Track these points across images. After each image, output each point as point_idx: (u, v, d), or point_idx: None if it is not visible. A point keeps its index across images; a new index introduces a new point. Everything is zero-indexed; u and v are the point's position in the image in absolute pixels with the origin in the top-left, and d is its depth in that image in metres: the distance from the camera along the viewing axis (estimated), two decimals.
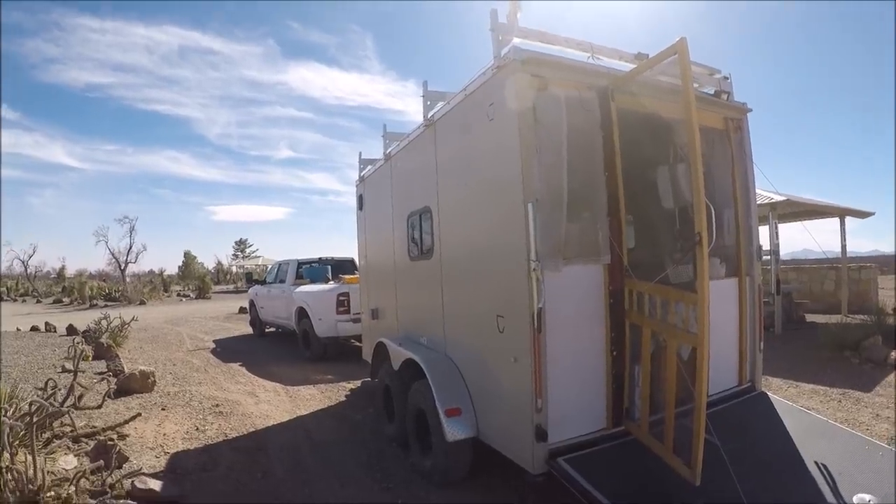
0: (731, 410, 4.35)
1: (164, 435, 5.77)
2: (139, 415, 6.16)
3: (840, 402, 6.32)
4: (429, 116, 5.00)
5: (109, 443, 4.81)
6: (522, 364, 3.53)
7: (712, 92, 4.66)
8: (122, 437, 5.47)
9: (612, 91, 3.88)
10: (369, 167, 7.27)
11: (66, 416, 5.04)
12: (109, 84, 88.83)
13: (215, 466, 4.96)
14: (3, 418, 3.88)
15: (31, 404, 4.03)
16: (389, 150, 6.28)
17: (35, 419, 3.96)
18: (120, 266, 37.66)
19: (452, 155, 4.69)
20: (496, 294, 3.92)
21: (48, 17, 76.46)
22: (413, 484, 4.57)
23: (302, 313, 10.74)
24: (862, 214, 12.13)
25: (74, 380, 6.25)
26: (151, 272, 40.35)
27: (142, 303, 26.85)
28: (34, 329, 14.35)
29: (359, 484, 4.62)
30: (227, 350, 11.79)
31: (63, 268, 40.28)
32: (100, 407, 6.33)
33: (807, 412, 4.58)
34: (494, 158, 3.84)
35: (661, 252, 4.61)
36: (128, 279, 39.12)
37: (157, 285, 33.78)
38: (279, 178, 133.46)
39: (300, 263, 12.49)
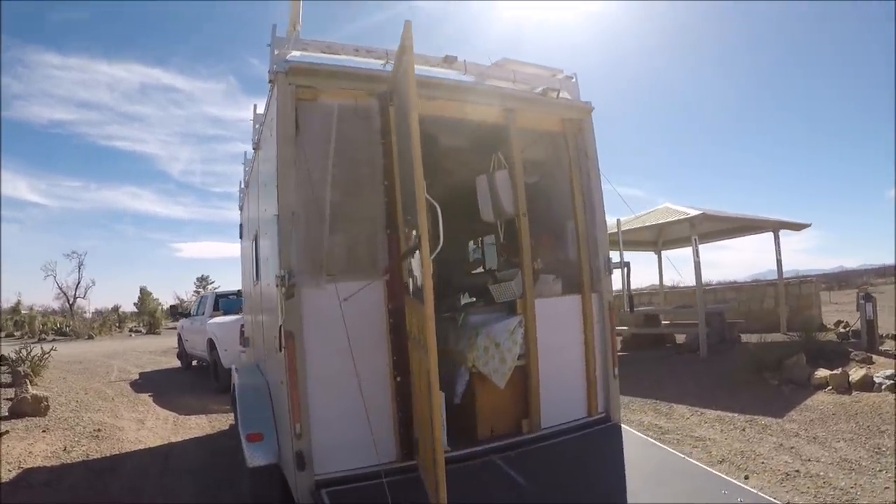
0: (566, 445, 3.86)
1: (31, 453, 5.83)
2: (7, 432, 6.28)
3: (744, 430, 5.75)
4: (255, 140, 4.89)
5: None
6: (285, 387, 3.19)
7: (540, 90, 4.22)
8: None
9: (390, 95, 3.53)
10: None
11: None
12: (72, 121, 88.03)
13: (59, 483, 5.08)
14: None
15: None
16: (246, 178, 6.18)
17: None
18: (68, 301, 37.01)
19: (261, 176, 4.53)
20: (274, 314, 3.59)
21: (12, 54, 76.29)
22: None
23: (211, 344, 10.56)
24: (797, 227, 11.60)
25: None
26: (115, 308, 39.35)
27: (90, 337, 26.37)
28: None
29: None
30: (146, 382, 11.70)
31: (19, 302, 39.20)
32: None
33: (663, 448, 3.99)
34: (268, 174, 3.68)
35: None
36: (89, 315, 38.27)
37: (112, 321, 33.02)
38: None
39: (218, 296, 12.49)
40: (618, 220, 4.32)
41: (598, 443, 3.92)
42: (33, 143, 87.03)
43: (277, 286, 3.06)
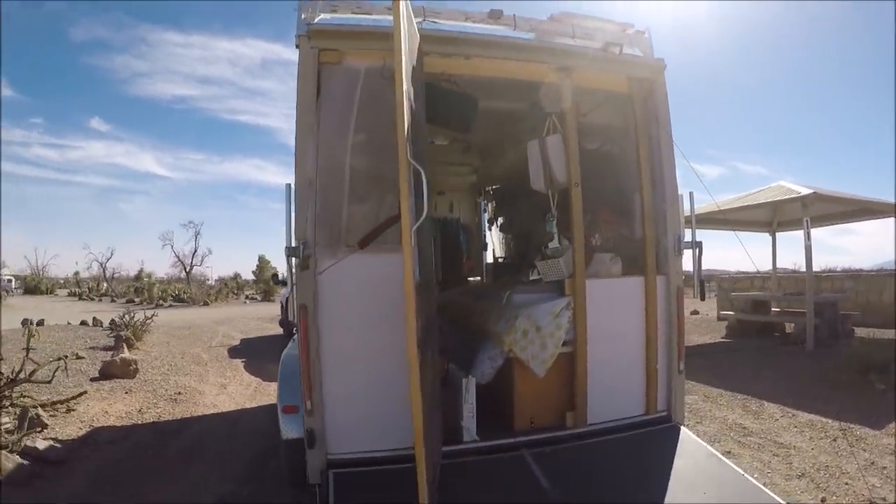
0: (612, 444, 3.43)
1: (106, 413, 6.13)
2: (84, 392, 6.62)
3: (835, 440, 4.98)
4: None
5: (32, 409, 5.37)
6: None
7: (600, 46, 3.71)
8: (71, 410, 6.01)
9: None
10: None
11: (20, 386, 5.66)
12: (195, 96, 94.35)
13: (124, 441, 5.29)
14: None
15: None
16: None
17: None
18: (185, 268, 39.81)
19: None
20: None
21: (135, 34, 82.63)
22: (272, 480, 4.45)
23: None
24: None
25: (27, 356, 6.36)
26: (235, 275, 42.26)
27: (205, 304, 28.10)
28: (83, 323, 15.34)
29: (226, 470, 4.66)
30: (245, 347, 12.01)
31: (141, 270, 42.96)
32: (49, 382, 6.46)
33: (722, 461, 3.34)
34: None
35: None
36: (211, 282, 41.14)
37: (230, 287, 35.12)
38: None
39: None
40: (690, 194, 3.79)
41: (649, 445, 3.45)
42: (158, 118, 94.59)
43: (289, 256, 2.92)
